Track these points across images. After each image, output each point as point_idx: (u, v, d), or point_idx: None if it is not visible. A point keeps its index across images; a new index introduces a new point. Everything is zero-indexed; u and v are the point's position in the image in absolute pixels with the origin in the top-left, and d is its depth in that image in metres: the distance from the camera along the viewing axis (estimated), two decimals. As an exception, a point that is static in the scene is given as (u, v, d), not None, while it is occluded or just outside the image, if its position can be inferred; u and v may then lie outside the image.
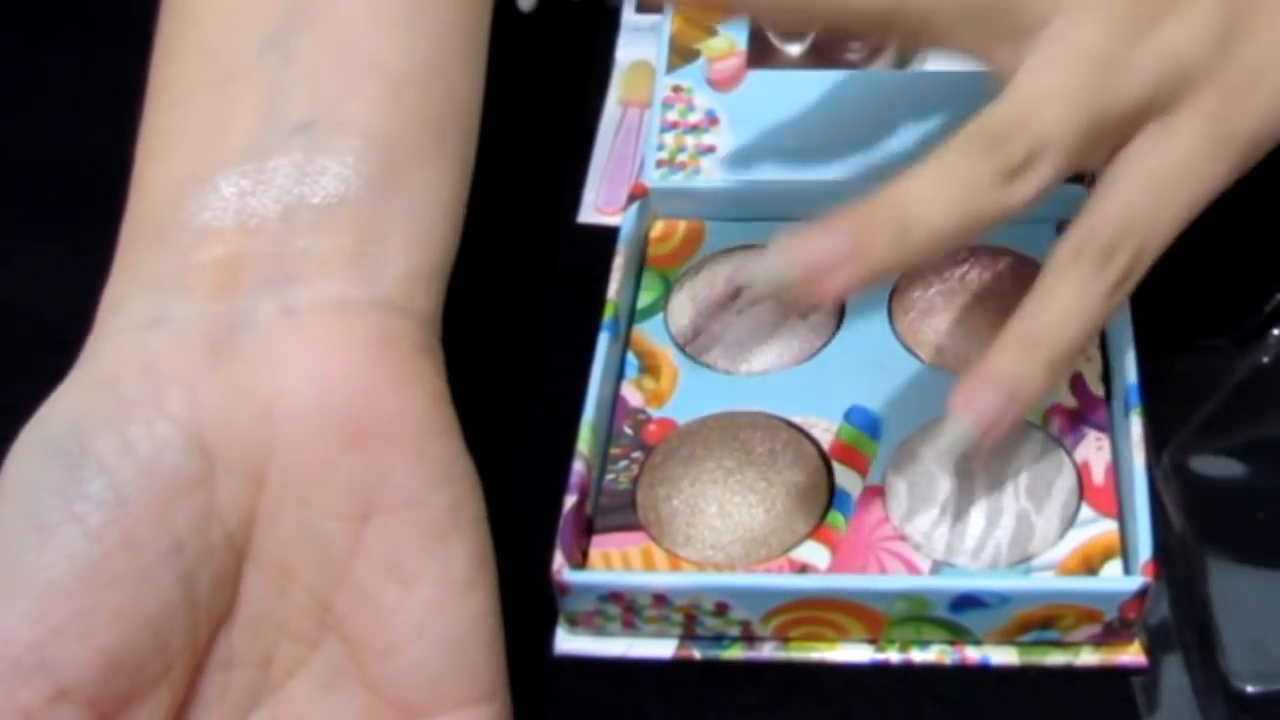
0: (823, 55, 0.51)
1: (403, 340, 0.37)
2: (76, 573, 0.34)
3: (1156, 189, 0.39)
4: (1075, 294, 0.39)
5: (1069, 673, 0.41)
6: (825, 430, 0.44)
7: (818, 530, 0.42)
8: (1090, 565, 0.41)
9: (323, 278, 0.37)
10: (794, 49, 0.51)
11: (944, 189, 0.38)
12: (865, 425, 0.44)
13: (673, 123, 0.50)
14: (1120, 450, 0.42)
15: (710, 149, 0.50)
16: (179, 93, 0.40)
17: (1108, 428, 0.43)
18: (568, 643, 0.42)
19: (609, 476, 0.44)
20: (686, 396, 0.46)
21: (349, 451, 0.36)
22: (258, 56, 0.39)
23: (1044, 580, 0.41)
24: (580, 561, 0.42)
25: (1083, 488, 0.42)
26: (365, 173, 0.38)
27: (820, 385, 0.45)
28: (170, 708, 0.35)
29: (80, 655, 0.33)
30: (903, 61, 0.51)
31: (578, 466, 0.42)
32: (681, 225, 0.50)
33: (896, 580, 0.41)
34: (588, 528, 0.43)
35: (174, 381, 0.35)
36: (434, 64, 0.41)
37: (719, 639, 0.42)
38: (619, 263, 0.47)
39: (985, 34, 0.39)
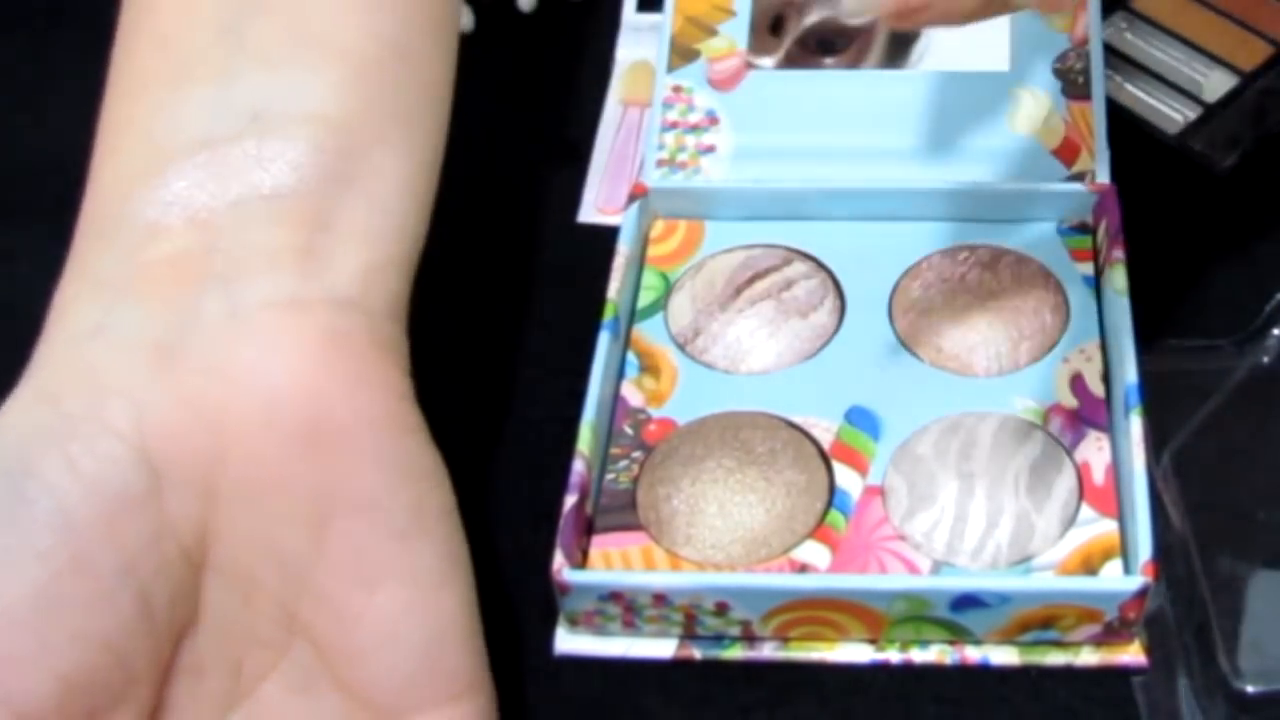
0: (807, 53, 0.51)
1: (356, 338, 0.36)
2: (27, 598, 0.33)
3: None
4: None
5: (1069, 673, 0.41)
6: (825, 430, 0.44)
7: (818, 530, 0.42)
8: (1090, 565, 0.41)
9: (272, 274, 0.36)
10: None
11: None
12: (865, 425, 0.44)
13: (673, 122, 0.50)
14: (1120, 450, 0.42)
15: (710, 149, 0.50)
16: (134, 84, 0.39)
17: (1108, 428, 0.43)
18: (568, 643, 0.42)
19: (609, 476, 0.44)
20: (686, 396, 0.46)
21: (303, 457, 0.35)
22: (212, 43, 0.38)
23: (1044, 580, 0.41)
24: (580, 561, 0.42)
25: (1083, 488, 0.42)
26: (322, 161, 0.37)
27: (820, 385, 0.45)
28: None
29: (37, 682, 0.33)
30: (898, 61, 0.51)
31: (578, 466, 0.42)
32: (681, 225, 0.50)
33: (896, 580, 0.41)
34: (588, 527, 0.43)
35: (117, 394, 0.35)
36: (398, 47, 0.39)
37: (719, 639, 0.42)
38: (619, 262, 0.47)
39: None
